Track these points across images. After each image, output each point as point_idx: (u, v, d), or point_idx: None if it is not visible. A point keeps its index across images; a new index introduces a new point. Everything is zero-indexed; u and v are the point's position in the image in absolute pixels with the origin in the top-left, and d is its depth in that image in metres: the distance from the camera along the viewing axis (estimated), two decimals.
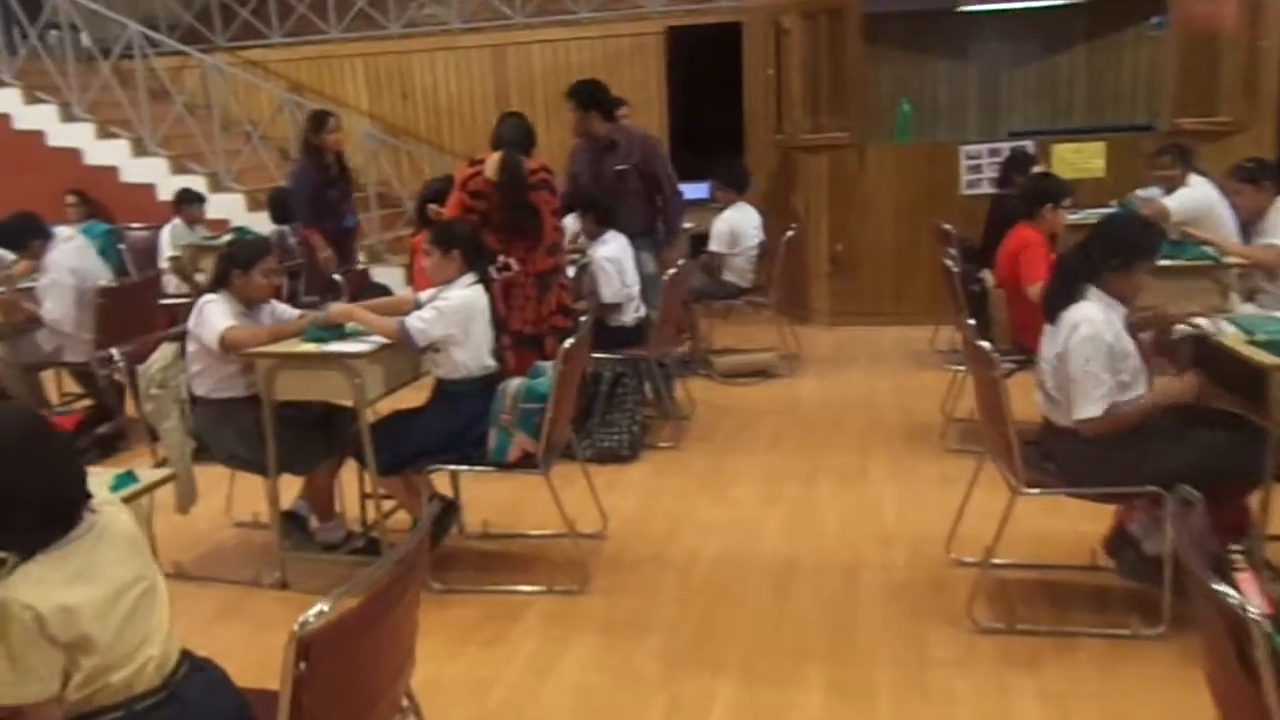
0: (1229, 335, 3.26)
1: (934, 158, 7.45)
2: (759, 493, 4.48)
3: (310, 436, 3.77)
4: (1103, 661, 3.03)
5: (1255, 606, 1.55)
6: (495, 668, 3.15)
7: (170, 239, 7.48)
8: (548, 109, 9.00)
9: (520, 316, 4.63)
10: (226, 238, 7.08)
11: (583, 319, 3.98)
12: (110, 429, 5.37)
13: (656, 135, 5.53)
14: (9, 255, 5.63)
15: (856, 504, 4.29)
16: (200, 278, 6.91)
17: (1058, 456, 3.16)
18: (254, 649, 3.15)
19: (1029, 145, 6.97)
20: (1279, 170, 4.85)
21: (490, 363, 3.72)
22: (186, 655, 1.98)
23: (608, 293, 5.05)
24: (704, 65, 8.68)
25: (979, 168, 7.29)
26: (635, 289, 5.19)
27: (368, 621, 1.76)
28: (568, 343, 3.53)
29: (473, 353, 3.65)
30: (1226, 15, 6.96)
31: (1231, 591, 1.61)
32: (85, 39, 9.09)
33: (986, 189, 7.03)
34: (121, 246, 7.57)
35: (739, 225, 6.32)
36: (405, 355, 3.73)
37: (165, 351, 3.72)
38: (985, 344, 3.16)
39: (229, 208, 8.38)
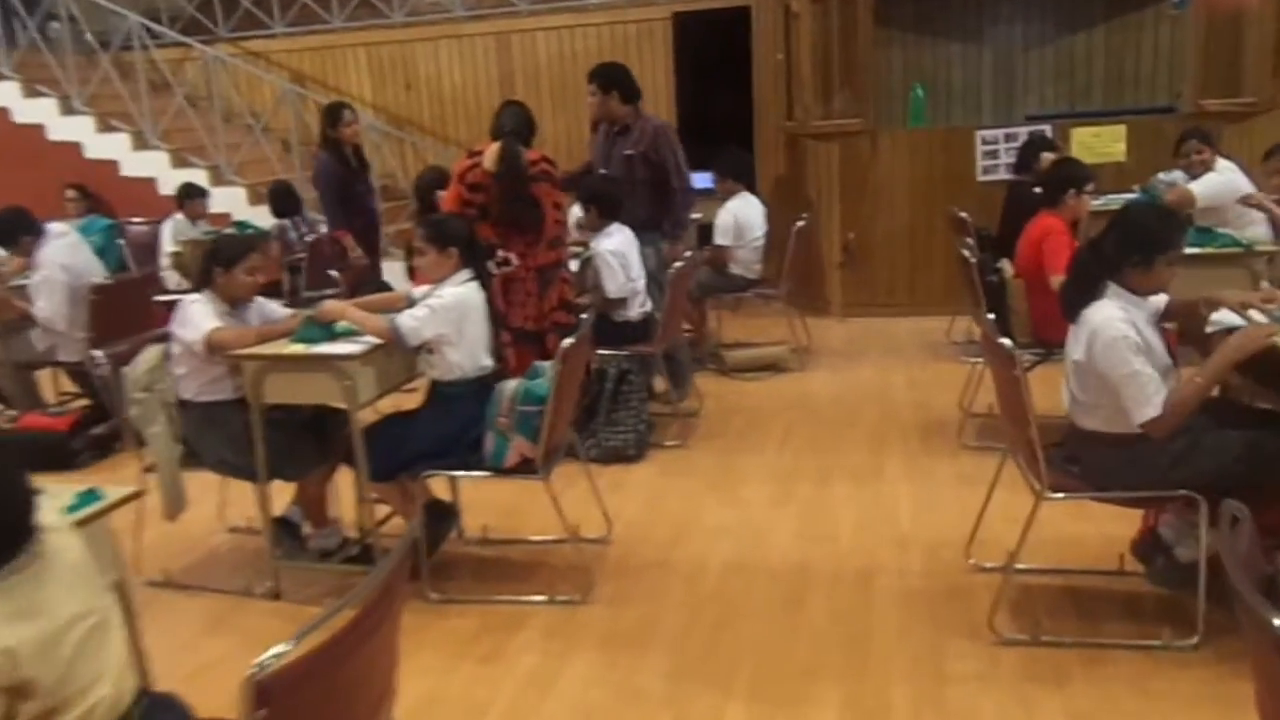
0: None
1: (949, 143, 7.25)
2: (769, 493, 4.33)
3: (301, 440, 3.63)
4: (1133, 675, 2.86)
5: None
6: (493, 685, 3.01)
7: (171, 234, 7.34)
8: (553, 97, 8.85)
9: (521, 313, 4.48)
10: (227, 232, 6.96)
11: (584, 316, 3.82)
12: (106, 429, 5.25)
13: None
14: (0, 252, 5.52)
15: (871, 505, 4.13)
16: None
17: (1083, 459, 2.99)
18: (242, 663, 3.00)
19: (1047, 129, 6.78)
20: None
21: (487, 363, 3.57)
22: (145, 693, 1.83)
23: (612, 287, 4.88)
24: (712, 52, 8.49)
25: (995, 153, 7.10)
26: (640, 283, 5.02)
27: (336, 659, 1.62)
28: (567, 342, 3.37)
29: (467, 353, 3.50)
30: None
31: None
32: (85, 31, 8.96)
33: (1003, 175, 6.85)
34: (122, 242, 7.45)
35: (744, 217, 6.14)
36: (399, 356, 3.58)
37: (151, 354, 3.59)
38: (1006, 341, 2.98)
39: (231, 201, 8.26)
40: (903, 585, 3.46)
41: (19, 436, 5.10)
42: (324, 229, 6.79)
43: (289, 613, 3.49)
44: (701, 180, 7.21)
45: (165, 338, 3.59)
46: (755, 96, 8.05)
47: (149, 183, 8.52)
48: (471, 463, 3.47)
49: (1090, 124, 7.05)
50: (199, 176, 8.16)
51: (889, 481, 4.37)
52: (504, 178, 4.37)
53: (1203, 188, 5.25)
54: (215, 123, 8.58)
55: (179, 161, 8.54)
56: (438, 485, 3.84)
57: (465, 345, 3.49)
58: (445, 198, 4.56)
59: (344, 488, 3.87)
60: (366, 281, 5.92)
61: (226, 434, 3.53)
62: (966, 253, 4.60)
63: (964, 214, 5.85)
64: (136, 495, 2.34)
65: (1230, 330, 3.11)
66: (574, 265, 4.94)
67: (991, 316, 3.39)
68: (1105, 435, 2.91)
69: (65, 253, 5.32)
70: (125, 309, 5.29)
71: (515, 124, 4.48)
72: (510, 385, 3.45)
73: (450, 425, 3.48)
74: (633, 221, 5.12)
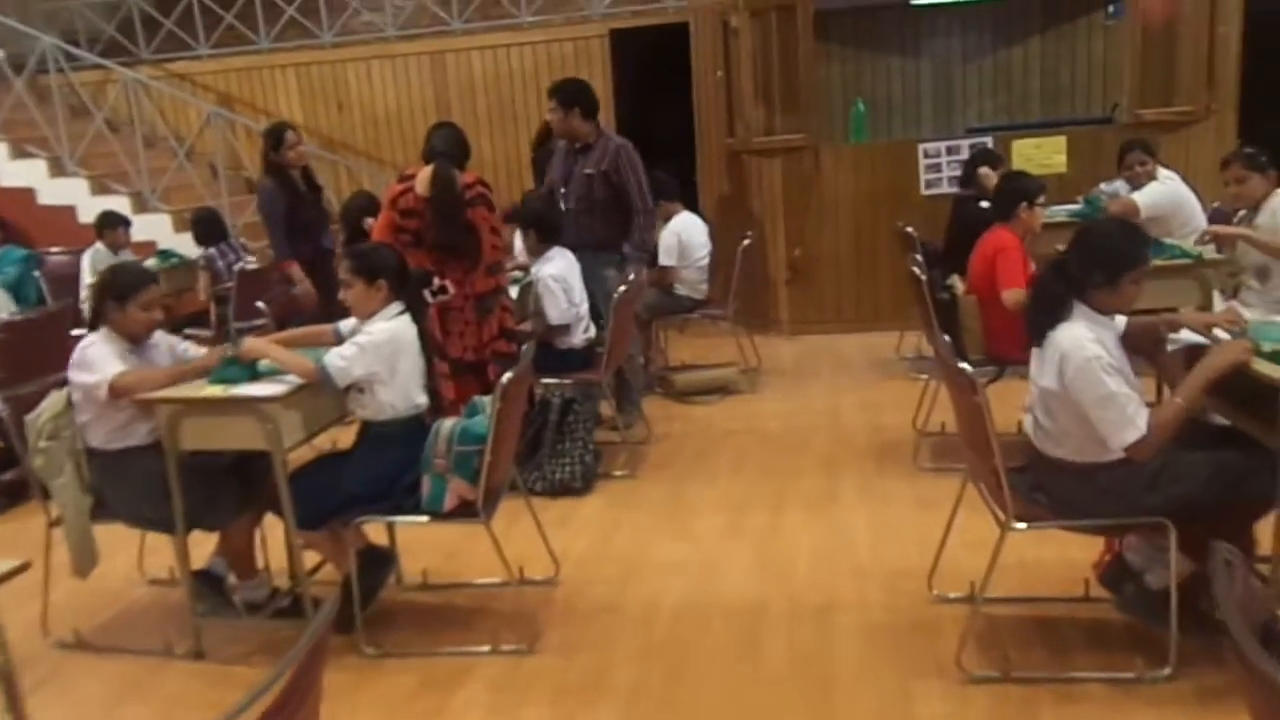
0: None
1: (892, 157, 7.20)
2: (722, 524, 4.16)
3: (223, 487, 3.37)
4: (1106, 709, 2.74)
5: None
6: None
7: (91, 265, 6.97)
8: (490, 118, 8.67)
9: (459, 343, 4.27)
10: (151, 261, 6.65)
11: (524, 347, 3.63)
12: (15, 475, 4.92)
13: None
14: None
15: (827, 534, 3.98)
16: None
17: (1050, 490, 2.87)
18: None
19: (988, 141, 6.76)
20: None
21: (421, 401, 3.37)
22: None
23: (554, 314, 4.70)
24: (651, 69, 8.37)
25: (938, 166, 7.06)
26: (584, 308, 4.85)
27: None
28: (505, 377, 3.17)
29: (400, 391, 3.29)
30: (1183, 1, 6.79)
31: None
32: None
33: (947, 189, 6.81)
34: (38, 274, 7.09)
35: (687, 236, 5.99)
36: (328, 395, 3.35)
37: (55, 399, 3.32)
38: (966, 366, 2.85)
39: (155, 229, 7.95)
40: (864, 620, 3.31)
41: None
42: (252, 259, 6.50)
43: (212, 674, 3.21)
44: None
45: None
46: (696, 113, 7.93)
47: (68, 210, 8.17)
48: (407, 507, 3.26)
49: (1030, 135, 7.04)
50: (121, 204, 7.82)
51: (845, 508, 4.23)
52: (438, 202, 4.16)
53: (1146, 197, 5.24)
54: (137, 148, 8.25)
55: (99, 188, 8.20)
56: (374, 529, 3.61)
57: (398, 383, 3.28)
58: (376, 225, 4.34)
59: (273, 532, 3.63)
60: (316, 317, 5.48)
61: (140, 483, 3.27)
62: (917, 270, 4.50)
63: (910, 229, 5.76)
64: (22, 569, 2.10)
65: (1192, 348, 3.03)
66: (514, 291, 4.75)
67: (947, 339, 3.26)
68: (1072, 465, 2.79)
69: None
70: (36, 347, 4.99)
71: (447, 146, 4.28)
72: (447, 424, 3.23)
73: (384, 467, 3.26)
74: (590, 242, 4.95)
